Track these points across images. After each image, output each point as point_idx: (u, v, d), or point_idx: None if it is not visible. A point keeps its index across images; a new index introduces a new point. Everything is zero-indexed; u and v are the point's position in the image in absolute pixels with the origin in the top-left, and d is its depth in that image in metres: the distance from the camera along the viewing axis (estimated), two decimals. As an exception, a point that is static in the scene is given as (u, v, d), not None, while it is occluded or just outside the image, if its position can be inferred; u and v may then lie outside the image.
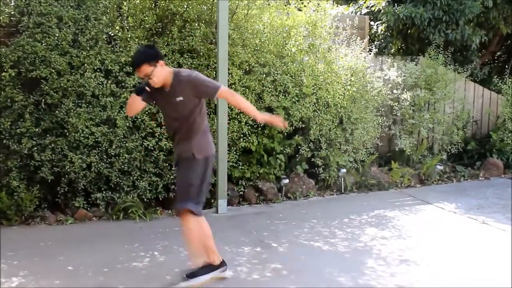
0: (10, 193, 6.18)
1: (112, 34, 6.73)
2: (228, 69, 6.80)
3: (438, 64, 9.01)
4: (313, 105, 7.65)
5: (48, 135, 6.27)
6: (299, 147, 7.76)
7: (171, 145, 6.69)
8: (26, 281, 4.52)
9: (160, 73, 4.23)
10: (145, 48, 4.50)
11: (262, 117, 4.42)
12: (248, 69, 7.27)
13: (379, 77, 8.49)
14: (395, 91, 8.76)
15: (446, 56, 9.27)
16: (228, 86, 6.77)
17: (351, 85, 7.96)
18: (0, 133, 6.13)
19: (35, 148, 6.20)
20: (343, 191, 8.06)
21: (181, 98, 4.27)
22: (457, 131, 9.40)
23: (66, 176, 6.35)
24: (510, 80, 10.15)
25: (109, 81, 6.44)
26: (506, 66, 11.72)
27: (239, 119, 7.09)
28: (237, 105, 4.56)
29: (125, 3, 6.91)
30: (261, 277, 4.74)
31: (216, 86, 4.37)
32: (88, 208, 6.50)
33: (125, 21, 6.97)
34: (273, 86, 7.38)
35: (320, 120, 7.71)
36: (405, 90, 8.80)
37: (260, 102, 7.31)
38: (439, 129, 9.19)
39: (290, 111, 7.40)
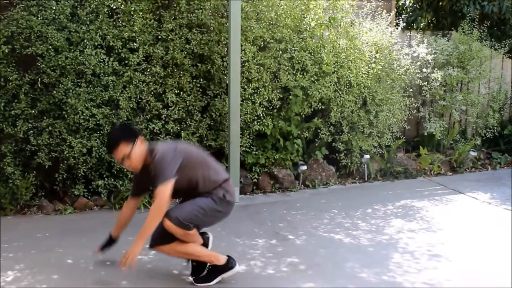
0: (4, 180, 6.20)
1: (114, 7, 6.68)
2: (241, 45, 6.75)
3: (473, 39, 8.89)
4: (334, 85, 7.59)
5: (45, 117, 6.27)
6: (319, 130, 7.73)
7: (178, 128, 6.71)
8: (22, 275, 4.54)
9: (138, 153, 4.07)
10: (120, 126, 4.35)
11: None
12: (262, 45, 7.23)
13: (407, 54, 8.40)
14: (424, 69, 8.66)
15: (481, 30, 9.14)
16: (242, 64, 6.75)
17: (376, 62, 7.89)
18: (-7, 115, 6.15)
19: (31, 131, 6.21)
20: (366, 179, 8.04)
21: None
22: (493, 113, 9.30)
23: (65, 161, 6.35)
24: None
25: (111, 59, 6.42)
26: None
27: (253, 100, 7.06)
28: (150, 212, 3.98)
29: (128, -28, 6.89)
30: (277, 272, 4.72)
31: (164, 178, 3.95)
32: (89, 197, 6.53)
33: (128, -7, 6.94)
34: (290, 64, 7.34)
35: (341, 101, 7.66)
36: (435, 68, 8.69)
37: (276, 81, 7.27)
38: (473, 111, 9.10)
39: (308, 91, 7.35)
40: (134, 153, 4.03)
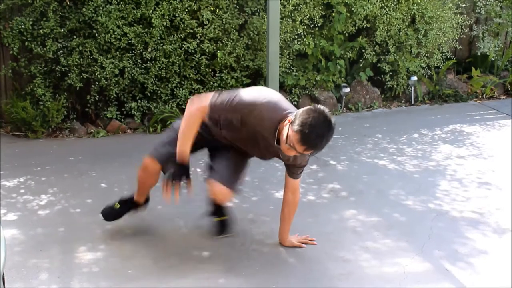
0: (34, 102, 6.26)
1: None
2: (280, -42, 6.57)
3: None
4: (380, 1, 7.38)
5: (75, 37, 6.24)
6: (363, 50, 7.58)
7: (214, 47, 6.62)
8: (55, 199, 4.62)
9: None
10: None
11: None
12: (303, -43, 7.02)
13: (461, -34, 8.12)
14: (479, -17, 8.38)
15: None
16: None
17: (426, -24, 7.64)
18: (21, 35, 6.12)
19: (61, 51, 6.21)
20: (413, 102, 7.93)
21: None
22: (554, 32, 9.00)
23: (97, 83, 6.37)
24: None
25: (143, -27, 6.32)
26: None
27: (293, 18, 6.91)
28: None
29: None
30: (317, 198, 4.72)
31: None
32: (122, 119, 6.57)
33: None
34: (333, -22, 7.14)
35: (388, 19, 7.46)
36: (491, -18, 8.40)
37: (318, -3, 7.11)
38: (532, 30, 8.81)
39: (352, 8, 7.17)
40: None
